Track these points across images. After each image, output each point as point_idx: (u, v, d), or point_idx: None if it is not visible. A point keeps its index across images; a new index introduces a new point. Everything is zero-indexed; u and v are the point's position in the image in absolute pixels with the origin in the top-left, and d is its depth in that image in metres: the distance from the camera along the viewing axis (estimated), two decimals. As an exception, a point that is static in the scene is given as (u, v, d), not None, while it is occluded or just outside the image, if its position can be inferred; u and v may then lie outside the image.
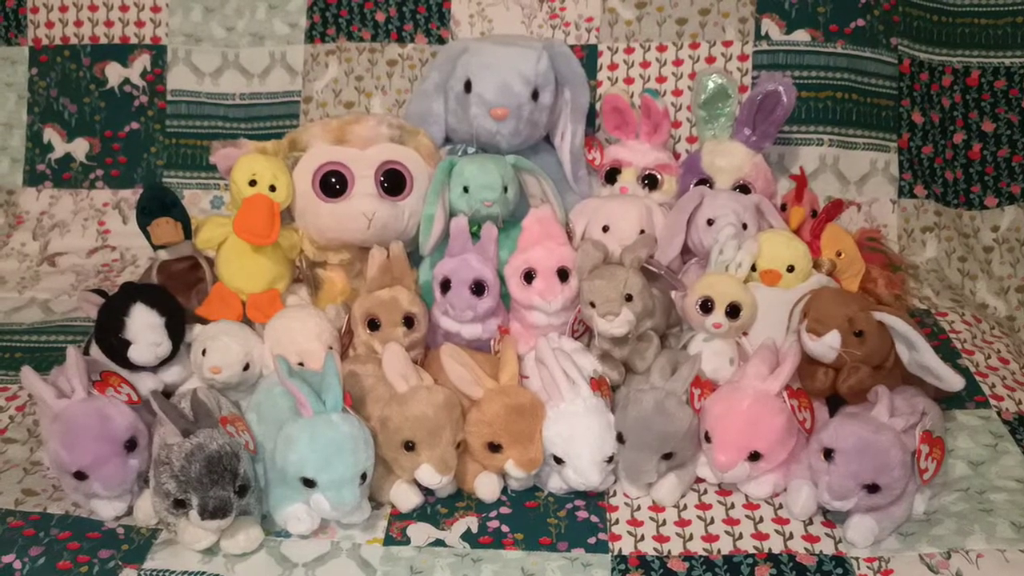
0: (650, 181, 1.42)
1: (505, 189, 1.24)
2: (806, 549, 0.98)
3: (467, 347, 1.15)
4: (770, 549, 0.99)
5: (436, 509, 1.06)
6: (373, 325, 1.16)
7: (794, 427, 1.04)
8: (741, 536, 1.01)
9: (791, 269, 1.17)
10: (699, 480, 1.09)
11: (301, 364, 1.12)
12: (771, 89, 1.32)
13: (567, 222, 1.31)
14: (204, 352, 1.11)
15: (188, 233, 1.25)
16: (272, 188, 1.22)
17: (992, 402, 1.17)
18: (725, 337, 1.14)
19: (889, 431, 0.97)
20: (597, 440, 1.04)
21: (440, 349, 1.10)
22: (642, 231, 1.27)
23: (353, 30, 1.63)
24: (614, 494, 1.08)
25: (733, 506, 1.05)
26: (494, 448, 1.05)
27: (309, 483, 0.98)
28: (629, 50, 1.57)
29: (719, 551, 0.99)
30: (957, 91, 1.52)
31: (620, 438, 1.05)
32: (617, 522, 1.04)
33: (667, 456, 1.04)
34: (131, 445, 1.02)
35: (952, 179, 1.53)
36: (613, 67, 1.57)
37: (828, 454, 0.98)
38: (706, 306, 1.13)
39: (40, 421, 1.15)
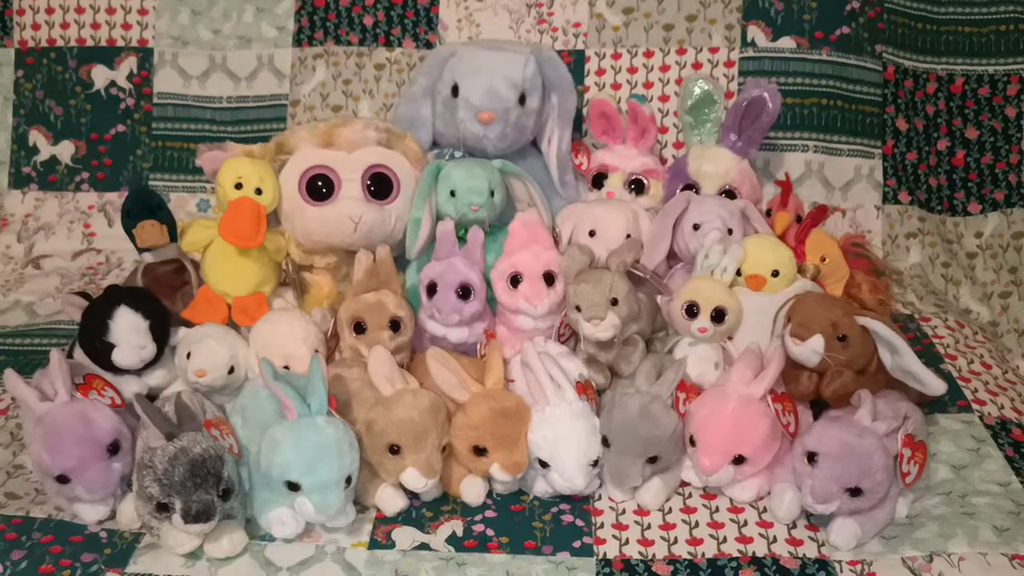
0: (636, 186, 1.42)
1: (492, 193, 1.24)
2: (790, 552, 0.99)
3: (453, 351, 1.15)
4: (754, 552, 0.99)
5: (421, 513, 1.06)
6: (359, 328, 1.16)
7: (778, 431, 1.05)
8: (725, 539, 1.01)
9: (776, 274, 1.18)
10: (684, 484, 1.09)
11: (286, 367, 1.11)
12: (757, 95, 1.33)
13: (553, 226, 1.31)
14: (189, 355, 1.11)
15: (173, 236, 1.24)
16: (258, 191, 1.22)
17: (974, 406, 1.18)
18: (710, 341, 1.14)
19: (872, 435, 0.98)
20: (582, 444, 1.04)
21: (426, 353, 1.10)
22: (628, 236, 1.27)
23: (341, 34, 1.63)
24: (599, 498, 1.08)
25: (717, 510, 1.06)
26: (479, 452, 1.05)
27: (294, 487, 0.98)
28: (616, 55, 1.58)
29: (703, 554, 0.99)
30: (941, 98, 1.53)
31: (605, 442, 1.05)
32: (602, 526, 1.04)
33: (652, 460, 1.05)
34: (114, 448, 1.02)
35: (936, 185, 1.55)
36: (600, 72, 1.58)
37: (811, 458, 0.98)
38: (691, 310, 1.13)
39: (23, 424, 1.14)
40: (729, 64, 1.55)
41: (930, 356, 1.27)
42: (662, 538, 1.02)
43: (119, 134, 1.69)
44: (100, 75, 1.68)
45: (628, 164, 1.43)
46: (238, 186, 1.21)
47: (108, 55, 1.68)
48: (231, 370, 1.12)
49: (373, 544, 1.01)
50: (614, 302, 1.11)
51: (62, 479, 1.00)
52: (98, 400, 1.04)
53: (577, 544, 1.01)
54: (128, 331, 1.10)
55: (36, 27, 1.70)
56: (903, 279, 1.51)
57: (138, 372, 1.13)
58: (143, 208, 1.24)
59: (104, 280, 1.56)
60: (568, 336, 1.20)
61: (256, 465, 1.01)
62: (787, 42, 1.55)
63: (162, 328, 1.13)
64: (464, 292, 1.17)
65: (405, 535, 1.02)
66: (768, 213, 1.35)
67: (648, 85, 1.57)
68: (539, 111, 1.38)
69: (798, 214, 1.35)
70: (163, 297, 1.17)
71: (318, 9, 1.64)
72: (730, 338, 1.16)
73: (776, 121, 1.36)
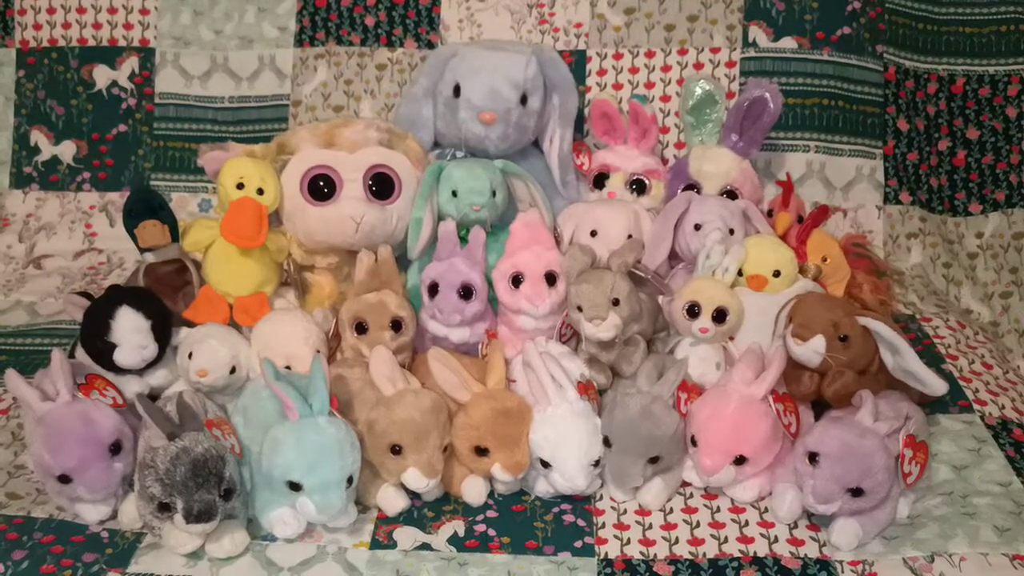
0: (638, 186, 1.42)
1: (493, 193, 1.24)
2: (791, 552, 0.99)
3: (455, 351, 1.15)
4: (755, 552, 0.99)
5: (423, 513, 1.06)
6: (361, 329, 1.16)
7: (779, 431, 1.05)
8: (726, 540, 1.01)
9: (777, 274, 1.18)
10: (685, 484, 1.09)
11: (288, 367, 1.11)
12: (758, 95, 1.33)
13: (555, 226, 1.31)
14: (191, 355, 1.11)
15: (175, 236, 1.24)
16: (260, 191, 1.22)
17: (975, 407, 1.18)
18: (712, 342, 1.14)
19: (873, 435, 0.98)
20: (584, 444, 1.04)
21: (428, 353, 1.10)
22: (629, 236, 1.27)
23: (342, 34, 1.63)
24: (600, 498, 1.08)
25: (719, 510, 1.06)
26: (481, 452, 1.05)
27: (295, 487, 0.98)
28: (618, 56, 1.58)
29: (704, 555, 0.99)
30: (942, 98, 1.53)
31: (607, 442, 1.05)
32: (603, 526, 1.04)
33: (653, 460, 1.05)
34: (116, 448, 1.02)
35: (937, 186, 1.55)
36: (602, 72, 1.58)
37: (813, 458, 0.98)
38: (693, 311, 1.13)
39: (24, 424, 1.14)
40: (730, 64, 1.55)
41: (931, 356, 1.27)
42: (663, 538, 1.02)
43: (120, 134, 1.69)
44: (102, 75, 1.68)
45: (629, 164, 1.43)
46: (240, 186, 1.21)
47: (110, 55, 1.68)
48: (233, 370, 1.12)
49: (375, 544, 1.01)
50: (615, 302, 1.11)
51: (63, 479, 1.00)
52: (100, 400, 1.04)
53: (578, 544, 1.01)
54: (130, 331, 1.10)
55: (37, 27, 1.70)
56: (904, 279, 1.51)
57: (140, 372, 1.13)
58: (145, 208, 1.24)
59: (106, 280, 1.56)
60: (569, 336, 1.20)
61: (258, 465, 1.01)
62: (788, 42, 1.55)
63: (164, 328, 1.13)
64: (466, 292, 1.17)
65: (406, 535, 1.02)
66: (769, 213, 1.35)
67: (649, 85, 1.57)
68: (540, 111, 1.38)
69: (799, 214, 1.35)
70: (165, 297, 1.17)
71: (320, 9, 1.64)
72: (731, 338, 1.16)
73: (777, 121, 1.36)
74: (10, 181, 1.71)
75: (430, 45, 1.60)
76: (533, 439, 1.05)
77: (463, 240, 1.22)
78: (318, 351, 1.13)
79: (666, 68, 1.57)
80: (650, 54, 1.57)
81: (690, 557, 0.99)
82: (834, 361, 1.05)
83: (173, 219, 1.25)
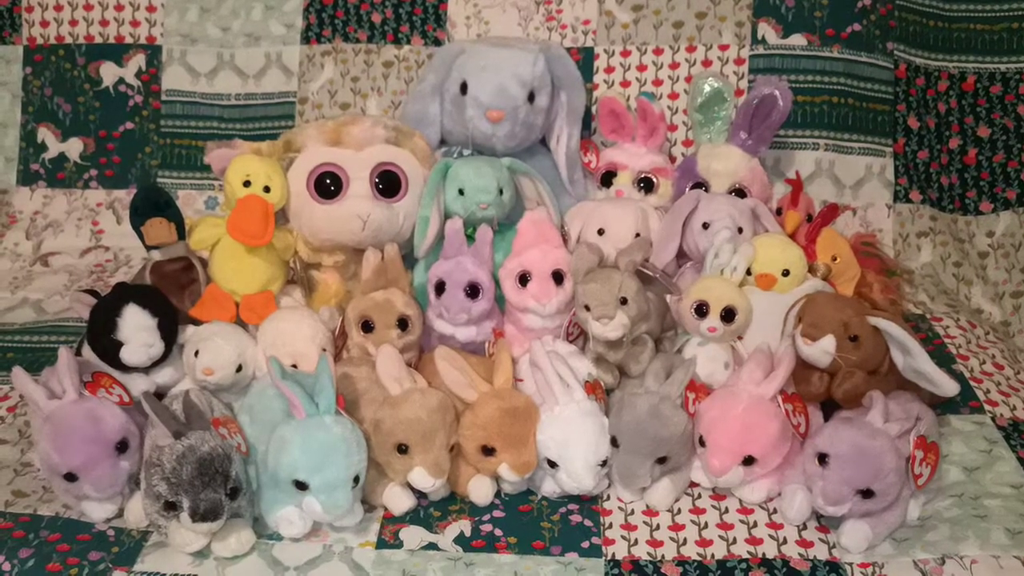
0: (646, 184, 1.41)
1: (500, 192, 1.23)
2: (800, 554, 0.98)
3: (461, 350, 1.14)
4: (764, 554, 0.98)
5: (429, 512, 1.06)
6: (367, 327, 1.15)
7: (788, 432, 1.04)
8: (735, 541, 1.01)
9: (786, 273, 1.17)
10: (693, 484, 1.09)
11: (294, 366, 1.11)
12: (767, 93, 1.32)
13: (562, 225, 1.30)
14: (197, 353, 1.11)
15: (182, 234, 1.24)
16: (266, 189, 1.22)
17: (986, 408, 1.17)
18: (720, 341, 1.14)
19: (883, 436, 0.97)
20: (591, 444, 1.04)
21: (434, 352, 1.10)
22: (637, 234, 1.27)
23: (349, 31, 1.63)
24: (608, 498, 1.08)
25: (727, 511, 1.05)
26: (488, 451, 1.04)
27: (301, 486, 0.98)
28: (625, 53, 1.57)
29: (713, 556, 0.99)
30: (953, 96, 1.52)
31: (614, 442, 1.05)
32: (611, 526, 1.03)
33: (661, 460, 1.04)
34: (122, 447, 1.02)
35: (947, 184, 1.54)
36: (609, 70, 1.57)
37: (822, 459, 0.98)
38: (701, 310, 1.13)
39: (31, 422, 1.15)
40: (739, 62, 1.55)
41: (942, 356, 1.26)
42: (671, 539, 1.01)
43: (127, 131, 1.69)
44: (109, 72, 1.69)
45: (637, 162, 1.42)
46: (246, 184, 1.21)
47: (117, 52, 1.68)
48: (239, 368, 1.12)
49: (381, 544, 1.01)
50: (623, 301, 1.10)
51: (70, 477, 1.00)
52: (106, 398, 1.04)
53: (586, 544, 1.01)
54: (136, 329, 1.10)
55: (45, 24, 1.70)
56: (914, 278, 1.50)
57: (146, 370, 1.13)
58: (151, 206, 1.24)
59: (112, 278, 1.57)
60: (577, 335, 1.20)
61: (264, 464, 1.01)
62: (798, 39, 1.54)
63: (170, 326, 1.13)
64: (472, 291, 1.17)
65: (413, 535, 1.02)
66: (778, 212, 1.34)
67: (658, 83, 1.56)
68: (548, 109, 1.37)
69: (809, 213, 1.34)
70: (171, 295, 1.17)
71: (326, 6, 1.63)
72: (740, 338, 1.15)
73: (786, 119, 1.35)
74: (17, 178, 1.71)
75: (437, 42, 1.60)
76: (540, 439, 1.05)
77: (470, 238, 1.22)
78: (324, 350, 1.13)
79: (674, 65, 1.56)
80: (658, 51, 1.56)
81: (698, 558, 0.98)
82: (844, 361, 1.04)
83: (180, 217, 1.25)
